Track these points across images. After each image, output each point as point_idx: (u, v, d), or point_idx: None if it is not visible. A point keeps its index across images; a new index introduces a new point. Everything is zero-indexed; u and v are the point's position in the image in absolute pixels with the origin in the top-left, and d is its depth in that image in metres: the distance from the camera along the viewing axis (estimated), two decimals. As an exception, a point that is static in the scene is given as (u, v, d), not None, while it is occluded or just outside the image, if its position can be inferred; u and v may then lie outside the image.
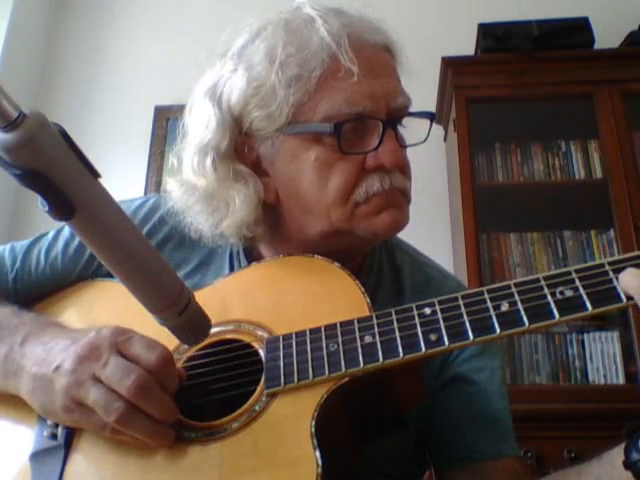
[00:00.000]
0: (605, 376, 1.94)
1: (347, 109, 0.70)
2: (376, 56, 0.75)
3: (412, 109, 0.81)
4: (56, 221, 0.49)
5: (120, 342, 0.62)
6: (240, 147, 0.76)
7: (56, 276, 0.85)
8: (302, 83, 0.70)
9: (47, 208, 0.47)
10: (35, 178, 0.45)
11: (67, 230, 0.86)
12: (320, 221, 0.74)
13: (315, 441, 0.55)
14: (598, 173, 2.17)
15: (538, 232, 2.18)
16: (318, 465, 0.53)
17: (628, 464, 0.54)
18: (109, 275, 0.78)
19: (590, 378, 1.95)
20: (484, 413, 0.76)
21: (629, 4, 2.54)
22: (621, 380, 1.92)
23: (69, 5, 2.99)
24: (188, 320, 0.58)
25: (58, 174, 0.46)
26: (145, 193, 2.58)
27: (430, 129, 0.80)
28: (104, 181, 0.51)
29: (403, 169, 0.75)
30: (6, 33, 2.64)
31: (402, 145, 0.76)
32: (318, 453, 0.54)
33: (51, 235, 0.87)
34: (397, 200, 0.74)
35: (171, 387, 0.61)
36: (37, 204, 0.47)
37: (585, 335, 2.00)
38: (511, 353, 2.01)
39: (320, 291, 0.69)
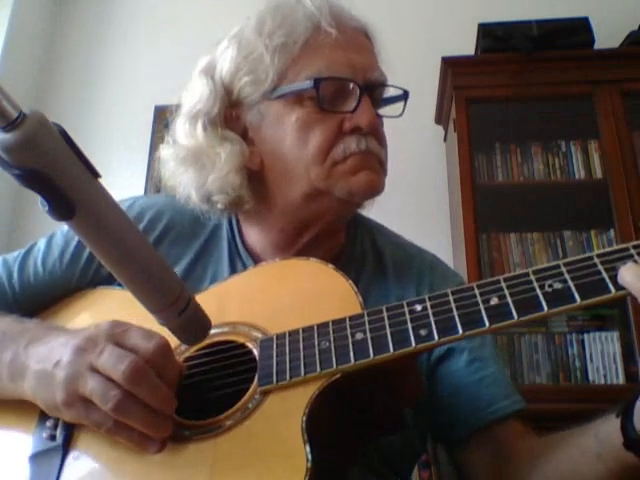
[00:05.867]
0: (605, 376, 1.94)
1: (327, 73, 0.76)
2: (356, 36, 0.81)
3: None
4: (56, 221, 0.49)
5: (117, 333, 0.62)
6: (229, 116, 0.81)
7: (57, 283, 0.85)
8: (287, 50, 0.77)
9: (47, 208, 0.47)
10: (35, 178, 0.45)
11: (59, 236, 0.86)
12: (300, 181, 0.78)
13: (305, 436, 0.55)
14: (598, 173, 2.16)
15: (538, 232, 2.18)
16: (308, 460, 0.53)
17: (629, 444, 0.56)
18: (108, 279, 0.78)
19: (590, 378, 1.95)
20: (482, 378, 0.78)
21: (629, 4, 2.54)
22: (621, 380, 1.92)
23: (69, 5, 2.99)
24: (188, 320, 0.58)
25: (58, 174, 0.46)
26: (145, 193, 2.58)
27: (405, 105, 0.84)
28: (104, 181, 0.51)
29: (379, 136, 0.80)
30: (6, 33, 2.64)
31: (378, 115, 0.80)
32: (308, 448, 0.54)
33: (43, 244, 0.86)
34: (373, 163, 0.78)
35: (169, 376, 0.60)
36: (37, 204, 0.47)
37: (585, 335, 2.00)
38: (511, 353, 2.01)
39: (314, 292, 0.70)
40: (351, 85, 0.77)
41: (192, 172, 0.81)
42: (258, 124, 0.80)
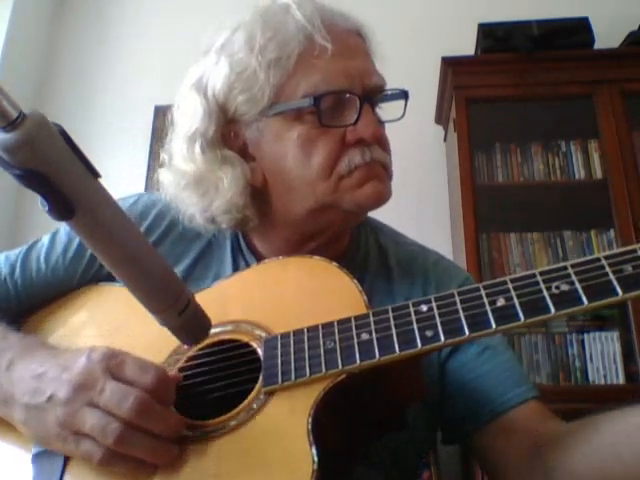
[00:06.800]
0: (605, 376, 1.94)
1: (324, 87, 0.74)
2: (348, 39, 0.78)
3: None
4: (56, 221, 0.49)
5: (113, 366, 0.61)
6: (227, 134, 0.79)
7: (59, 280, 0.84)
8: (281, 65, 0.74)
9: (47, 208, 0.47)
10: (35, 178, 0.45)
11: (63, 233, 0.86)
12: (305, 197, 0.77)
13: (311, 438, 0.55)
14: (598, 173, 2.16)
15: (538, 232, 2.18)
16: (314, 462, 0.53)
17: None
18: (110, 277, 0.79)
19: (590, 378, 1.95)
20: (494, 366, 0.78)
21: (629, 4, 2.54)
22: (621, 380, 1.92)
23: (69, 5, 2.99)
24: (188, 320, 0.57)
25: (58, 174, 0.46)
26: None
27: (406, 106, 0.83)
28: (104, 181, 0.51)
29: (382, 143, 0.79)
30: (6, 33, 2.64)
31: (380, 121, 0.79)
32: (314, 450, 0.54)
33: (47, 240, 0.86)
34: (378, 173, 0.77)
35: (169, 403, 0.61)
36: (38, 204, 0.47)
37: (585, 335, 2.00)
38: (511, 353, 2.01)
39: (318, 291, 0.70)
40: (350, 96, 0.75)
41: (195, 197, 0.79)
42: (257, 141, 0.78)
